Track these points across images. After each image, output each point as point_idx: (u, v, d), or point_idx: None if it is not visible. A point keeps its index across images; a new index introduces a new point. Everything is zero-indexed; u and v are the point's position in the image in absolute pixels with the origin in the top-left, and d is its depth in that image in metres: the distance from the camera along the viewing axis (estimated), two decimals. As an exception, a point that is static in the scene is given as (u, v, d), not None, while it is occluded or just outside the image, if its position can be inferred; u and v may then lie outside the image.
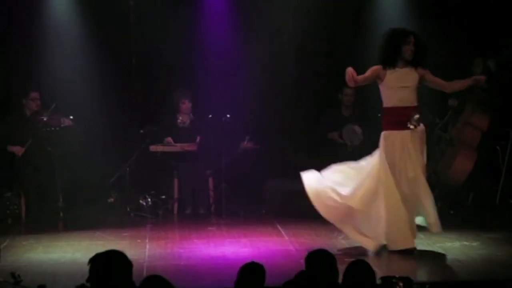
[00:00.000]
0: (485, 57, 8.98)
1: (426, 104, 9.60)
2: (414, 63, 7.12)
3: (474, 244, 7.39)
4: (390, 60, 7.10)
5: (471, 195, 9.14)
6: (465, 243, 7.44)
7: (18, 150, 8.95)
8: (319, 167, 9.65)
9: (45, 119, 8.82)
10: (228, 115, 9.18)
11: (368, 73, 7.19)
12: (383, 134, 7.15)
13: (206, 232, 8.26)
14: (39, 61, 9.57)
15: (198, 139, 9.34)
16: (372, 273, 4.01)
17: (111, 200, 9.61)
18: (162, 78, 9.86)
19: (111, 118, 9.73)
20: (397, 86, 7.09)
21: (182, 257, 7.08)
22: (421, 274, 6.32)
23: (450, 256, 6.94)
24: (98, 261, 3.87)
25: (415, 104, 7.14)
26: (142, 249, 7.33)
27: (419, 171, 7.05)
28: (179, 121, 9.46)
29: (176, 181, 9.39)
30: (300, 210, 8.85)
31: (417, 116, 7.05)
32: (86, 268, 3.89)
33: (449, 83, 7.37)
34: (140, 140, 9.29)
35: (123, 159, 9.32)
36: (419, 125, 7.08)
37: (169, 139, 9.34)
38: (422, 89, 9.48)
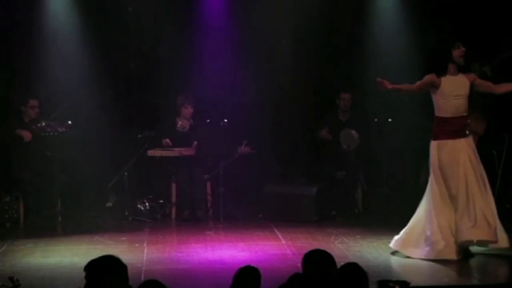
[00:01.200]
0: (481, 63, 9.02)
1: (423, 109, 9.68)
2: (463, 68, 7.09)
3: (470, 247, 7.40)
4: (441, 67, 7.03)
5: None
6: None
7: (26, 134, 8.95)
8: (317, 171, 9.74)
9: (43, 123, 8.84)
10: (225, 120, 9.22)
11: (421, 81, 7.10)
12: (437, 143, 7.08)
13: (203, 236, 8.29)
14: (39, 68, 9.58)
15: (195, 143, 9.37)
16: (364, 275, 4.03)
17: (109, 204, 9.64)
18: (160, 83, 9.89)
19: (109, 123, 9.74)
20: (453, 95, 7.05)
21: (180, 261, 7.10)
22: (418, 278, 6.33)
23: (445, 260, 6.96)
24: (92, 268, 3.89)
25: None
26: (140, 253, 7.35)
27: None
28: (178, 125, 9.49)
29: (174, 186, 9.42)
30: (297, 214, 8.91)
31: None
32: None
33: (499, 86, 7.27)
34: (138, 145, 9.32)
35: (121, 163, 9.35)
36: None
37: (167, 140, 9.36)
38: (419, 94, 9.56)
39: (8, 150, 9.10)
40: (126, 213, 9.15)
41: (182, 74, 9.92)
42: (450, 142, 7.03)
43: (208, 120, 9.44)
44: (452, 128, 7.04)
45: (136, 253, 7.35)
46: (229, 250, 7.50)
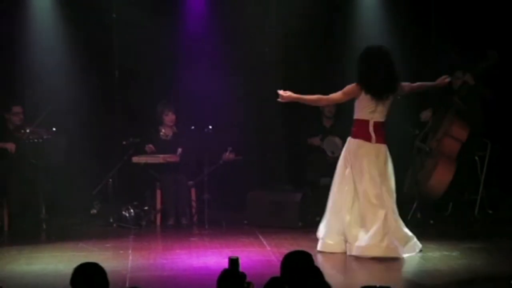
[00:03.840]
0: (464, 70, 9.09)
1: (406, 115, 9.74)
2: None
3: (454, 253, 7.45)
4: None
5: (450, 206, 9.24)
6: (444, 252, 7.50)
7: (10, 146, 8.92)
8: (301, 178, 9.76)
9: (28, 130, 8.83)
10: (210, 126, 9.24)
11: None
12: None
13: (188, 242, 8.30)
14: (22, 74, 9.57)
15: (179, 150, 9.38)
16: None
17: (94, 211, 9.64)
18: (144, 91, 9.89)
19: (93, 129, 9.75)
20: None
21: (165, 267, 7.11)
22: (401, 283, 6.37)
23: (429, 265, 7.01)
24: (76, 277, 3.91)
25: None
26: (125, 260, 7.35)
27: None
28: (161, 133, 9.51)
29: (158, 192, 9.42)
30: (282, 221, 8.93)
31: None
32: (68, 280, 3.93)
33: (417, 84, 7.73)
34: (122, 151, 9.33)
35: (105, 170, 9.35)
36: None
37: (150, 146, 9.36)
38: (401, 99, 9.63)
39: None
40: (111, 220, 9.14)
41: (166, 81, 9.94)
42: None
43: (193, 127, 9.46)
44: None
45: (121, 260, 7.35)
46: (214, 257, 7.51)
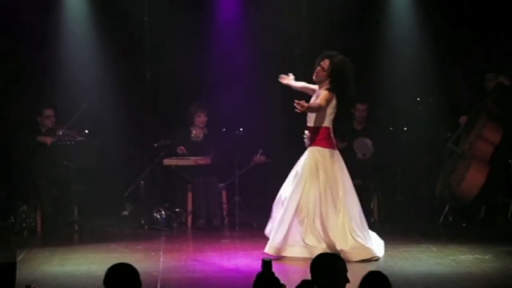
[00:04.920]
0: (497, 72, 9.01)
1: (438, 117, 9.69)
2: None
3: (487, 257, 7.40)
4: None
5: (483, 208, 9.16)
6: (477, 256, 7.45)
7: (48, 139, 9.01)
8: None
9: (60, 133, 8.91)
10: (241, 129, 9.26)
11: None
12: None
13: (219, 244, 8.31)
14: (53, 78, 9.65)
15: (211, 153, 9.40)
16: (389, 285, 4.01)
17: (125, 213, 9.71)
18: (176, 93, 9.93)
19: (125, 132, 9.81)
20: None
21: (196, 269, 7.12)
22: (434, 287, 6.33)
23: (462, 268, 6.96)
24: (109, 276, 3.93)
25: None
26: (156, 262, 7.38)
27: None
28: (192, 135, 9.53)
29: (189, 194, 9.45)
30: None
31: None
32: (102, 280, 3.95)
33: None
34: (154, 154, 9.37)
35: (137, 172, 9.40)
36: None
37: (182, 148, 9.40)
38: (434, 102, 9.58)
39: (25, 160, 9.17)
40: (142, 222, 9.19)
41: (197, 83, 9.96)
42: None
43: (224, 129, 9.48)
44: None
45: (152, 261, 7.38)
46: (245, 259, 7.51)
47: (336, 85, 7.41)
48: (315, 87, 7.62)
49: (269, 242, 7.42)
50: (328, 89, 7.41)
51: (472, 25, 9.83)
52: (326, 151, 7.42)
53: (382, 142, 9.47)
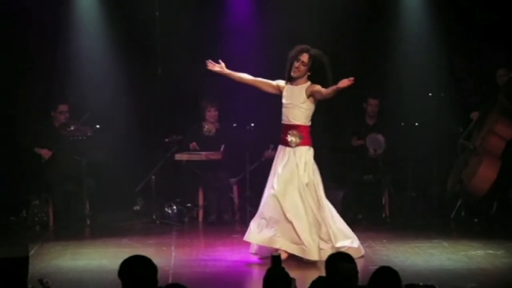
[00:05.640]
0: (508, 68, 8.98)
1: (450, 113, 9.66)
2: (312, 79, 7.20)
3: (499, 252, 7.39)
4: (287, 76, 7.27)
5: (495, 204, 9.13)
6: (489, 251, 7.44)
7: (45, 153, 9.07)
8: (343, 176, 9.72)
9: (72, 128, 8.94)
10: (252, 124, 9.26)
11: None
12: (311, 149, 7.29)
13: (230, 239, 8.32)
14: (66, 73, 9.67)
15: (222, 147, 9.41)
16: (398, 280, 4.02)
17: (137, 208, 9.73)
18: (187, 88, 9.93)
19: (137, 127, 9.82)
20: (285, 103, 7.28)
21: (207, 264, 7.14)
22: (445, 283, 6.32)
23: (474, 264, 6.95)
24: (125, 268, 3.93)
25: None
26: (168, 257, 7.40)
27: None
28: (204, 129, 9.54)
29: (201, 189, 9.47)
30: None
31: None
32: (114, 274, 3.96)
33: (326, 89, 7.23)
34: (165, 148, 9.39)
35: (149, 167, 9.41)
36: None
37: (194, 144, 9.42)
38: (445, 98, 9.55)
39: (37, 154, 9.20)
40: (154, 217, 9.21)
41: (209, 79, 9.95)
42: (282, 148, 7.32)
43: (235, 124, 9.48)
44: (283, 135, 7.29)
45: (164, 256, 7.39)
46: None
47: (317, 78, 7.16)
48: (279, 83, 7.33)
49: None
50: (311, 83, 7.16)
51: (484, 20, 9.79)
52: (310, 150, 7.30)
53: (394, 137, 9.46)
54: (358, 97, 9.67)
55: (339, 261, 4.15)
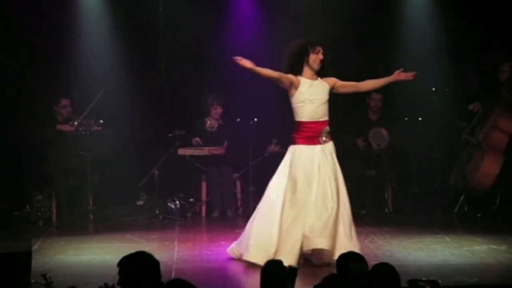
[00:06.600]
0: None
1: (453, 108, 9.65)
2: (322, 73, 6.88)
3: (502, 247, 7.39)
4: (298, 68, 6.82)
5: (498, 199, 9.12)
6: (492, 246, 7.44)
7: (68, 128, 9.03)
8: (346, 170, 9.70)
9: (76, 123, 8.95)
10: (255, 119, 9.25)
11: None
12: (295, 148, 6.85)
13: (234, 234, 8.30)
14: (69, 67, 9.67)
15: (225, 143, 9.41)
16: (396, 276, 4.04)
17: (140, 202, 9.73)
18: (190, 83, 9.93)
19: (140, 122, 9.82)
20: (309, 99, 6.82)
21: (210, 259, 7.15)
22: (448, 278, 6.32)
23: (477, 259, 6.95)
24: (126, 263, 3.94)
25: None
26: (171, 251, 7.41)
27: None
28: (207, 125, 9.55)
29: (204, 184, 9.47)
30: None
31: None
32: (116, 270, 3.97)
33: (363, 83, 7.08)
34: (168, 143, 9.39)
35: (152, 162, 9.42)
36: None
37: (197, 139, 9.42)
38: (449, 92, 9.53)
39: (41, 149, 9.21)
40: (157, 212, 9.22)
41: (212, 74, 9.95)
42: (305, 148, 6.81)
43: (238, 119, 9.49)
44: (308, 134, 6.84)
45: (167, 251, 7.41)
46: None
47: (330, 70, 6.93)
48: (291, 77, 6.83)
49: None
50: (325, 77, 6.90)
51: (488, 16, 9.77)
52: (289, 148, 6.99)
53: (397, 132, 9.45)
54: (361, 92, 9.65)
55: (350, 260, 4.18)
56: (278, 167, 7.10)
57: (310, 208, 6.67)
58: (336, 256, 6.00)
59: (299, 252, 6.61)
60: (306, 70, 6.87)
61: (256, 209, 7.10)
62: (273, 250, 6.59)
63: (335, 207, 6.73)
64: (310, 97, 6.82)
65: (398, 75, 7.01)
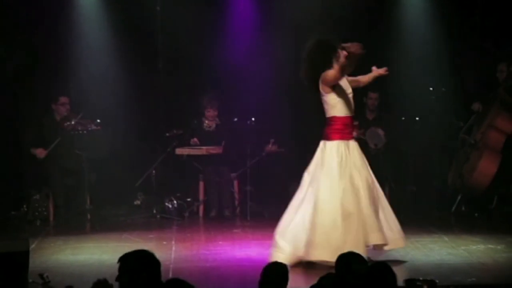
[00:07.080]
0: (509, 62, 8.98)
1: (451, 107, 9.66)
2: None
3: (499, 247, 7.39)
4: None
5: (495, 198, 9.14)
6: (490, 246, 7.44)
7: (39, 152, 9.06)
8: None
9: (73, 122, 8.95)
10: (253, 119, 9.26)
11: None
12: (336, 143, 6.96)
13: (231, 234, 8.33)
14: (67, 66, 9.67)
15: (223, 143, 9.41)
16: (392, 274, 4.04)
17: (137, 202, 9.73)
18: (188, 82, 9.94)
19: (137, 121, 9.83)
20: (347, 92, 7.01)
21: (208, 259, 7.14)
22: (446, 277, 6.32)
23: (474, 259, 6.95)
24: (128, 260, 3.94)
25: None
26: (168, 251, 7.41)
27: None
28: (205, 124, 9.56)
29: (201, 184, 9.47)
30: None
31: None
32: (114, 269, 3.96)
33: (363, 76, 7.27)
34: (166, 143, 9.39)
35: (149, 162, 9.42)
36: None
37: (195, 139, 9.43)
38: (446, 92, 9.53)
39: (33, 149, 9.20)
40: (154, 211, 9.22)
41: (209, 73, 9.96)
42: (342, 143, 6.95)
43: (236, 119, 9.49)
44: (344, 129, 7.00)
45: (164, 250, 7.40)
46: (257, 248, 7.53)
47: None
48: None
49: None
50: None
51: (485, 14, 9.78)
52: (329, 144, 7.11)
53: (394, 132, 9.46)
54: (358, 91, 9.65)
55: (352, 261, 4.17)
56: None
57: (363, 204, 6.76)
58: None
59: (364, 244, 6.64)
60: (335, 66, 6.96)
61: (303, 209, 7.01)
62: (340, 244, 6.49)
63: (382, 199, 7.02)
64: (348, 90, 7.03)
65: (376, 71, 7.20)
